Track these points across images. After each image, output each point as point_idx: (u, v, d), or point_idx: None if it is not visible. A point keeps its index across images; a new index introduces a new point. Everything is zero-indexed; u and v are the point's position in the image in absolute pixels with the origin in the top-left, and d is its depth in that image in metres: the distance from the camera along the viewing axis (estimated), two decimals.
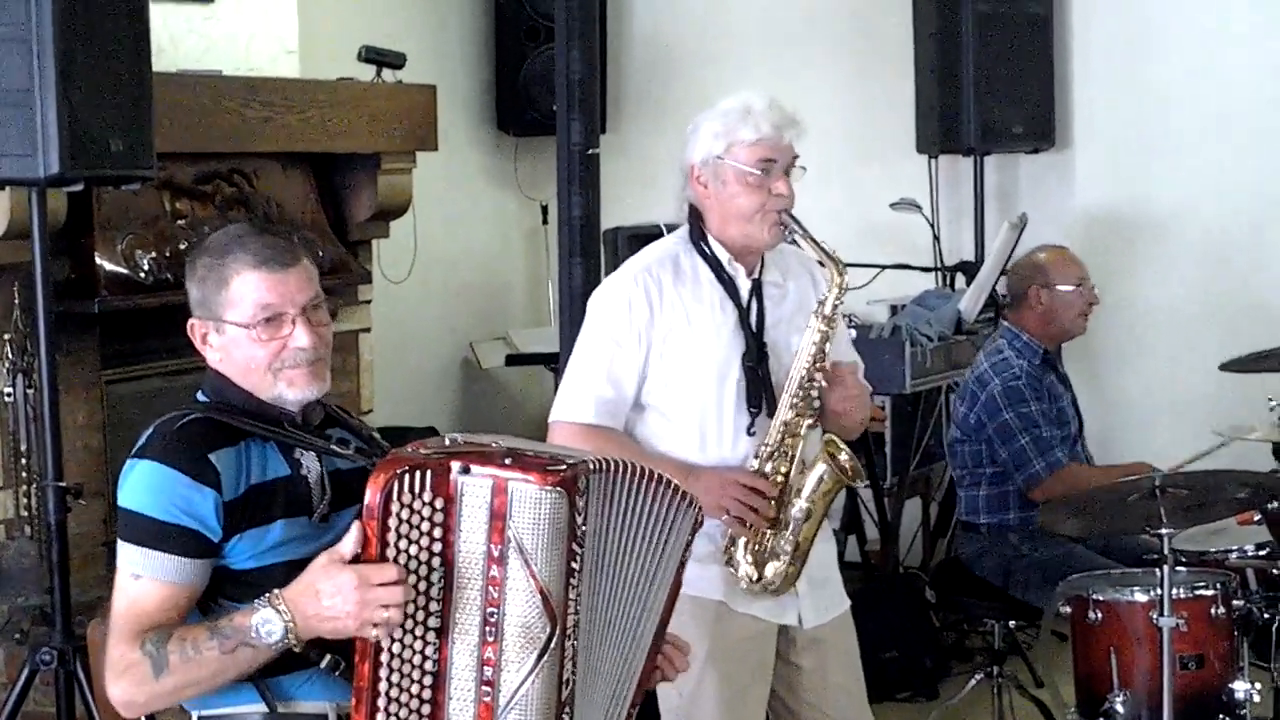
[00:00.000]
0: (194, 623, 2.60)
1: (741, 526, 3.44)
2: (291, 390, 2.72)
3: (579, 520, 2.53)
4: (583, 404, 3.51)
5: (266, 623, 2.52)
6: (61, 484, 4.05)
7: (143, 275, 4.93)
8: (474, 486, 2.49)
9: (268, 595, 2.53)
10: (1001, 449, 4.86)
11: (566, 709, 2.58)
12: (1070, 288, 5.01)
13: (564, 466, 2.51)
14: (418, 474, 2.48)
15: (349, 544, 2.48)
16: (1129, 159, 6.74)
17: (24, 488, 4.67)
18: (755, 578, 3.48)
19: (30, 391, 4.55)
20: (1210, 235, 6.59)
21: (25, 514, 4.68)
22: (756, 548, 3.47)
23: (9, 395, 4.59)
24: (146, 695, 2.58)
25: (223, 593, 2.65)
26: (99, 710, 3.77)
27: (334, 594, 2.47)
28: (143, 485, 2.62)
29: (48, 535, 4.11)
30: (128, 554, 2.61)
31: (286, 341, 2.70)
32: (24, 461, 4.65)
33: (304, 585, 2.51)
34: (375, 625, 2.46)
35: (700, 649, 3.43)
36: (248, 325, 2.70)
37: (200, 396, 2.78)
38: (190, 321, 2.78)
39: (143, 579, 2.59)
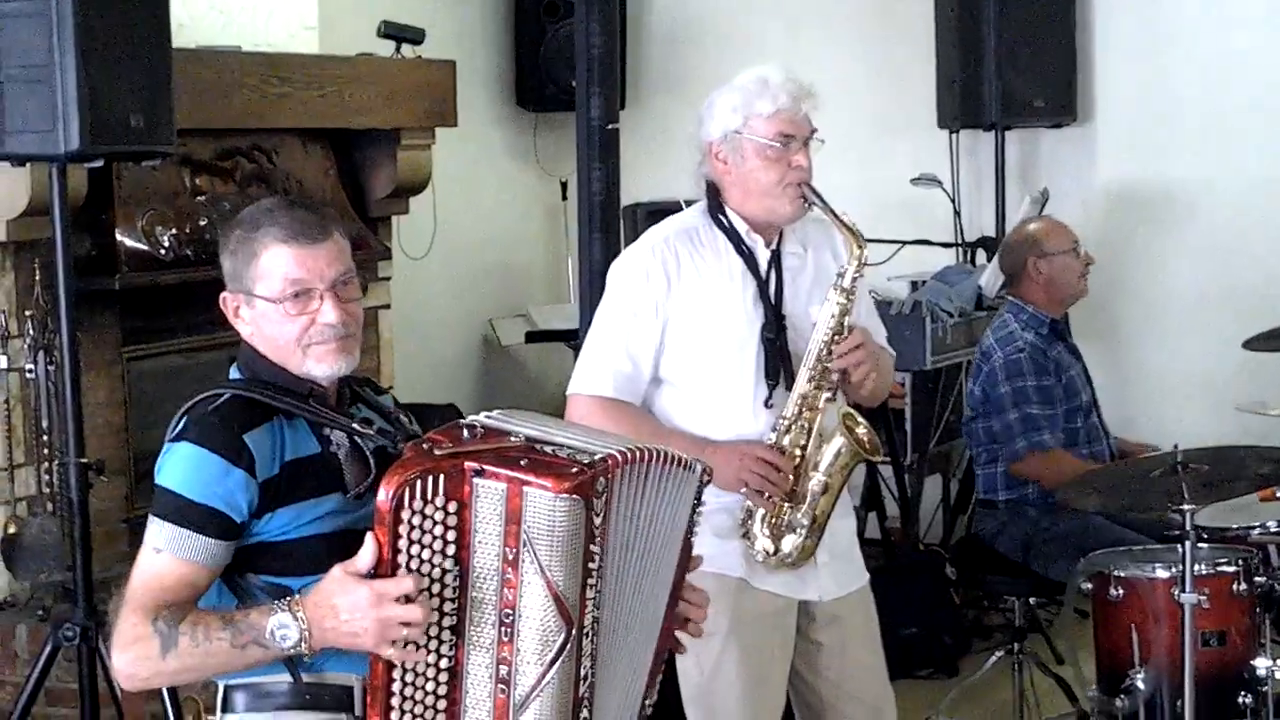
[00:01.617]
0: (210, 609, 2.61)
1: (760, 498, 3.44)
2: (320, 366, 2.71)
3: (596, 521, 2.50)
4: (600, 377, 3.51)
5: (283, 628, 2.51)
6: (83, 460, 4.06)
7: (163, 252, 4.93)
8: (488, 490, 2.47)
9: (288, 600, 2.53)
10: (994, 420, 4.87)
11: (585, 704, 2.57)
12: (1065, 251, 5.00)
13: (580, 469, 2.48)
14: (430, 478, 2.45)
15: (365, 557, 2.47)
16: (1150, 134, 6.71)
17: (45, 464, 4.69)
18: (772, 550, 3.48)
19: (51, 368, 4.56)
20: (1232, 211, 6.56)
21: (47, 491, 4.69)
22: (774, 521, 3.47)
23: (30, 372, 4.61)
24: (149, 671, 2.58)
25: (260, 565, 2.66)
26: (120, 686, 3.79)
27: (351, 610, 2.46)
28: (179, 466, 2.62)
29: (69, 512, 4.13)
30: (154, 528, 2.62)
31: (315, 317, 2.70)
32: (45, 438, 4.66)
33: (322, 597, 2.50)
34: (394, 639, 2.46)
35: (721, 626, 3.44)
36: (276, 300, 2.69)
37: (233, 371, 2.78)
38: (222, 295, 2.78)
39: (164, 554, 2.60)
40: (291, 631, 2.51)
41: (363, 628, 2.46)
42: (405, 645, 2.47)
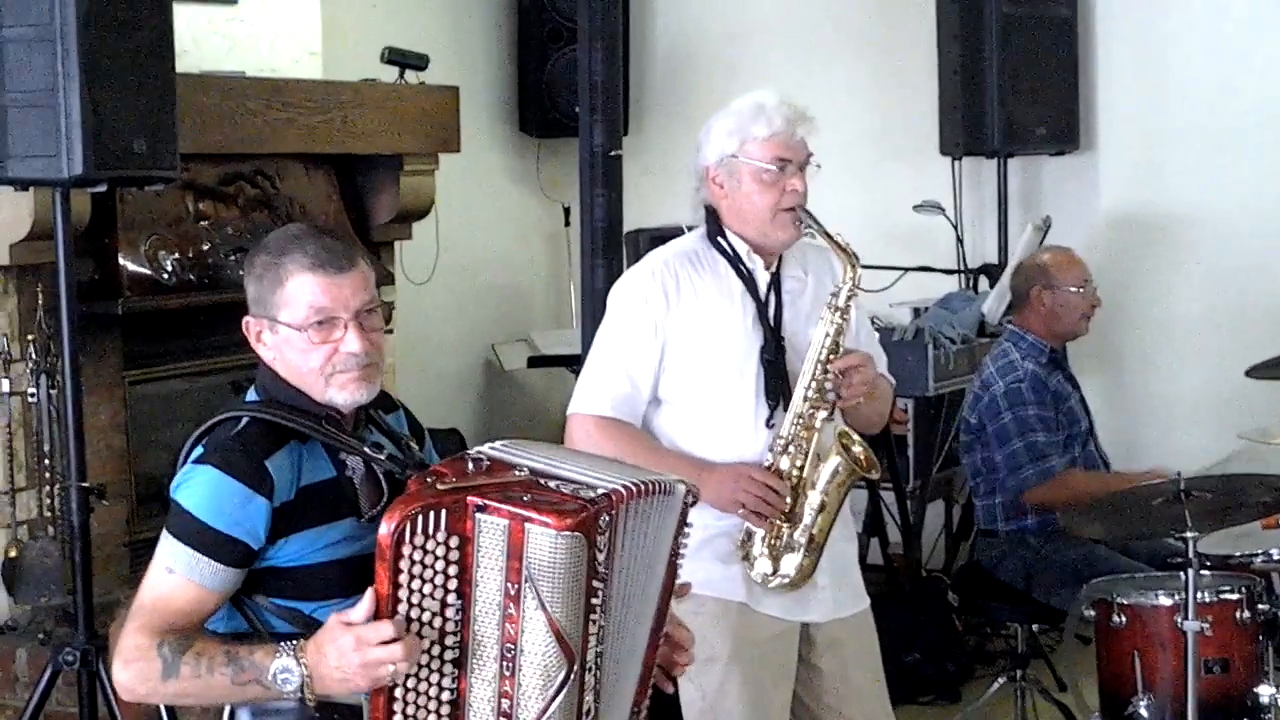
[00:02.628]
0: (215, 639, 2.61)
1: (759, 519, 3.44)
2: (342, 394, 2.72)
3: (600, 558, 2.50)
4: (599, 397, 3.52)
5: (285, 671, 2.53)
6: (84, 484, 4.06)
7: (166, 276, 4.94)
8: (490, 526, 2.47)
9: (292, 644, 2.54)
10: (997, 451, 4.86)
11: None
12: (1073, 289, 5.01)
13: (582, 505, 2.48)
14: (431, 514, 2.45)
15: (361, 609, 2.48)
16: (1153, 161, 6.72)
17: (47, 488, 4.68)
18: (772, 571, 3.48)
19: (53, 392, 4.56)
20: (1235, 238, 6.56)
21: (48, 514, 4.69)
22: (773, 542, 3.48)
23: (32, 396, 4.61)
24: (147, 690, 2.60)
25: (273, 590, 2.66)
26: (121, 711, 3.79)
27: (338, 656, 2.49)
28: (202, 490, 2.62)
29: (70, 536, 4.13)
30: (169, 548, 2.62)
31: (338, 346, 2.71)
32: (47, 462, 4.66)
33: (318, 644, 2.52)
34: (384, 679, 2.48)
35: (723, 650, 3.44)
36: (300, 327, 2.70)
37: (251, 393, 2.78)
38: (245, 319, 2.78)
39: (176, 575, 2.60)
40: (294, 676, 2.53)
41: (350, 672, 2.49)
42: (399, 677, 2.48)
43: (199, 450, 2.68)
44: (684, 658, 2.84)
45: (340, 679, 2.50)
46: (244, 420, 2.69)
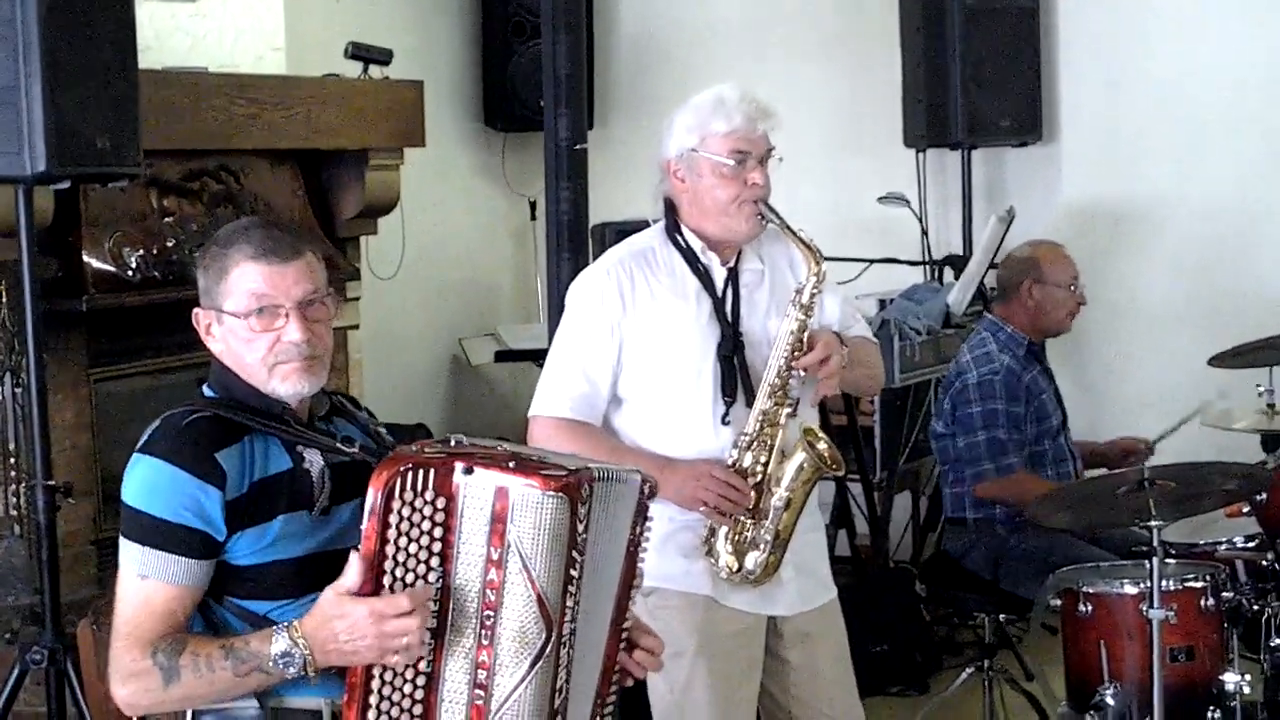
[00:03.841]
0: (207, 637, 2.61)
1: (721, 516, 3.45)
2: (285, 385, 2.71)
3: (580, 528, 2.52)
4: (558, 398, 3.53)
5: (285, 655, 2.53)
6: (50, 483, 4.04)
7: (130, 273, 4.92)
8: (476, 488, 2.49)
9: (286, 626, 2.54)
10: (960, 439, 4.88)
11: (560, 716, 2.57)
12: (1062, 286, 5.02)
13: (568, 472, 2.50)
14: (420, 472, 2.47)
15: (351, 576, 2.48)
16: (1116, 152, 6.75)
17: (13, 487, 4.66)
18: (736, 567, 3.49)
19: (18, 391, 4.53)
20: (1197, 228, 6.60)
21: (14, 514, 4.67)
22: (737, 538, 3.48)
23: None
24: (152, 700, 2.59)
25: (226, 589, 2.65)
26: (89, 710, 3.76)
27: (350, 630, 2.48)
28: (149, 484, 2.61)
29: (37, 535, 4.10)
30: (133, 553, 2.61)
31: (280, 335, 2.70)
32: (13, 461, 4.63)
33: (319, 620, 2.51)
34: (395, 654, 2.48)
35: (689, 644, 3.45)
36: (242, 315, 2.70)
37: (206, 390, 2.77)
38: (195, 310, 2.78)
39: (150, 579, 2.59)
40: (294, 657, 2.53)
41: (363, 645, 2.48)
42: (409, 658, 2.49)
43: (144, 441, 2.67)
44: (651, 662, 2.83)
45: (350, 651, 2.49)
46: (195, 413, 2.67)
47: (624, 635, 2.76)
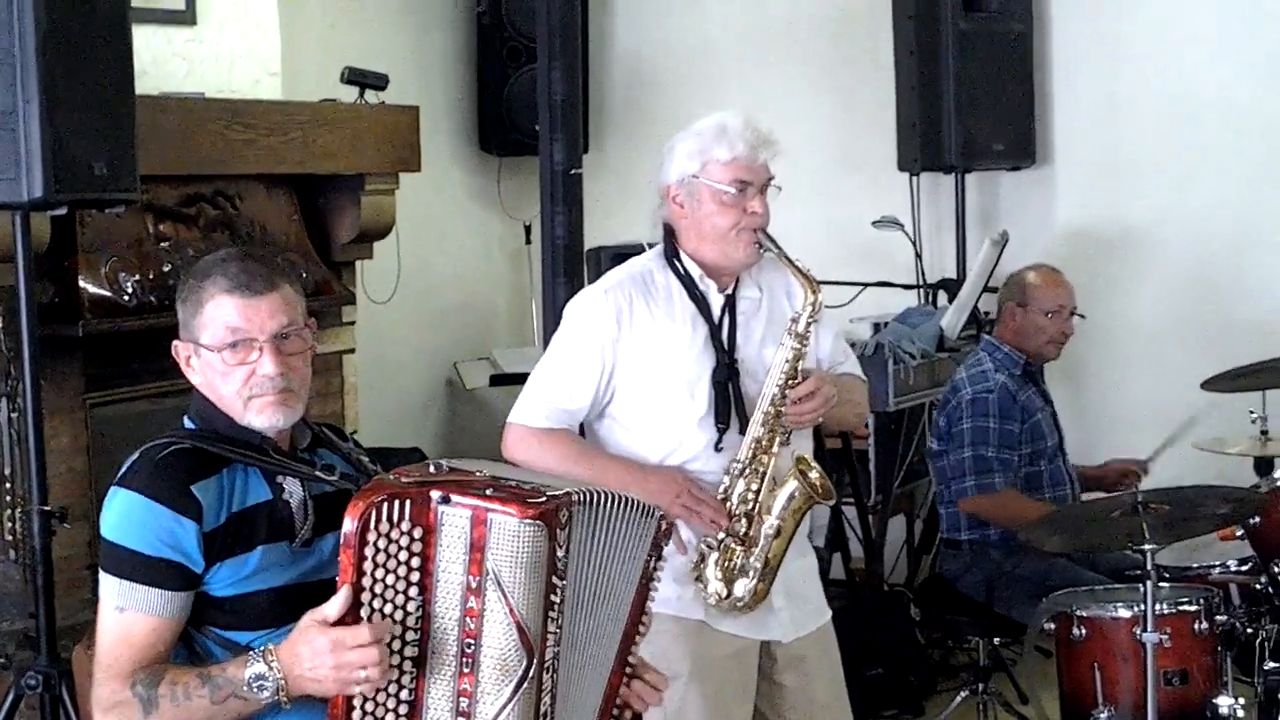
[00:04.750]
0: (185, 666, 2.62)
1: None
2: (260, 418, 2.72)
3: (559, 553, 2.53)
4: (536, 409, 3.57)
5: (259, 679, 2.54)
6: (46, 508, 4.04)
7: (126, 298, 4.93)
8: (453, 516, 2.49)
9: (262, 650, 2.55)
10: (951, 454, 4.89)
11: None
12: (1044, 313, 5.03)
13: (544, 499, 2.51)
14: (396, 503, 2.48)
15: (334, 606, 2.49)
16: (1109, 176, 6.76)
17: (8, 511, 4.66)
18: (725, 594, 3.49)
19: (14, 415, 4.54)
20: (1191, 252, 6.61)
21: (10, 538, 4.67)
22: (726, 565, 3.49)
23: None
24: None
25: (208, 619, 2.66)
26: None
27: (312, 657, 2.49)
28: (125, 518, 2.62)
29: (32, 559, 4.10)
30: (111, 586, 2.62)
31: (255, 369, 2.71)
32: (8, 485, 4.63)
33: (290, 644, 2.53)
34: (356, 685, 2.48)
35: (683, 668, 3.45)
36: (216, 349, 2.71)
37: (186, 420, 2.78)
38: (174, 343, 2.79)
39: (128, 612, 2.60)
40: (268, 681, 2.53)
41: (323, 673, 2.49)
42: (369, 689, 2.48)
43: (118, 475, 2.68)
44: (651, 697, 2.84)
45: (313, 680, 2.50)
46: (173, 445, 2.68)
47: (629, 668, 2.76)
